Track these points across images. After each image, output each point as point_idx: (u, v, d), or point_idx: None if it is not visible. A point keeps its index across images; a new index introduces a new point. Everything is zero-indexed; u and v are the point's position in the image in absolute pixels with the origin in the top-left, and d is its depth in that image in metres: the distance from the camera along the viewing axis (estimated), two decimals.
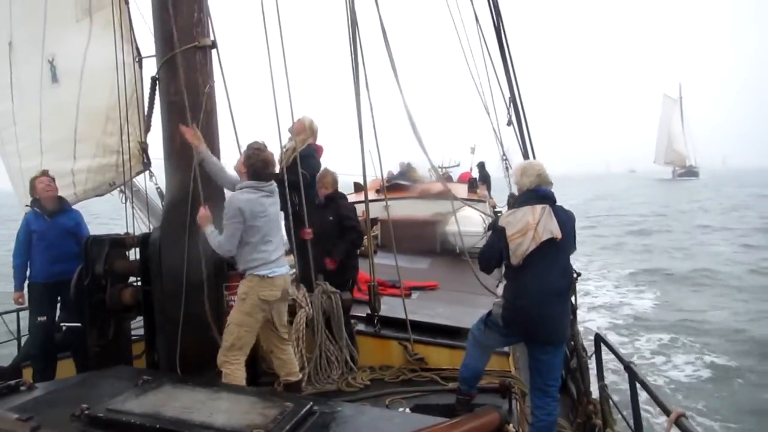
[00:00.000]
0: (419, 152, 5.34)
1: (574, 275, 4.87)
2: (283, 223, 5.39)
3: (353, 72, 4.85)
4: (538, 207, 3.65)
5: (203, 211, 3.92)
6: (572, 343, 5.25)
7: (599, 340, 4.59)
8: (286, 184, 4.90)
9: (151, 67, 4.75)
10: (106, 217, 5.23)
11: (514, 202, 3.96)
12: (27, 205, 5.19)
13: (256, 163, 3.88)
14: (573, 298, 5.22)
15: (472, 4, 5.95)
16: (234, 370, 3.75)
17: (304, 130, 5.46)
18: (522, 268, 3.65)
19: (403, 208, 10.47)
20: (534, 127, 6.35)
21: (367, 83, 4.89)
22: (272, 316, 4.00)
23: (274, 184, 4.04)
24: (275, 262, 3.90)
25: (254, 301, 3.80)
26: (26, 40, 5.62)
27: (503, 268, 3.87)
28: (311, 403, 2.69)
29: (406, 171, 12.96)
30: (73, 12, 5.31)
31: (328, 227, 5.32)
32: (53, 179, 5.18)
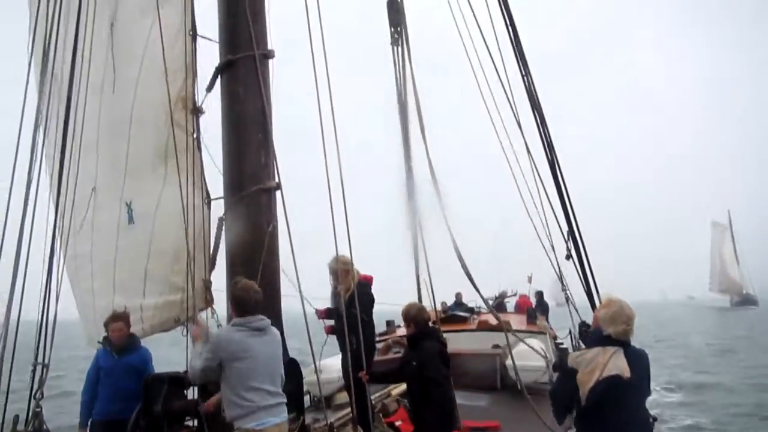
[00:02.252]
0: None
1: (650, 420, 4.48)
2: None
3: (407, 206, 4.96)
4: (611, 348, 3.47)
5: (195, 328, 3.77)
6: None
7: None
8: (346, 327, 4.79)
9: (218, 208, 5.04)
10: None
11: (585, 337, 3.75)
12: (99, 342, 5.34)
13: (236, 294, 3.73)
14: None
15: (525, 143, 6.11)
16: None
17: (350, 270, 5.24)
18: (595, 414, 3.41)
19: (460, 341, 10.15)
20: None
21: (420, 220, 4.98)
22: None
23: (265, 320, 3.78)
24: (266, 410, 3.56)
25: None
26: (107, 186, 6.05)
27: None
28: None
29: (461, 302, 12.79)
30: (151, 161, 5.70)
31: (412, 374, 4.75)
32: (128, 320, 5.27)
